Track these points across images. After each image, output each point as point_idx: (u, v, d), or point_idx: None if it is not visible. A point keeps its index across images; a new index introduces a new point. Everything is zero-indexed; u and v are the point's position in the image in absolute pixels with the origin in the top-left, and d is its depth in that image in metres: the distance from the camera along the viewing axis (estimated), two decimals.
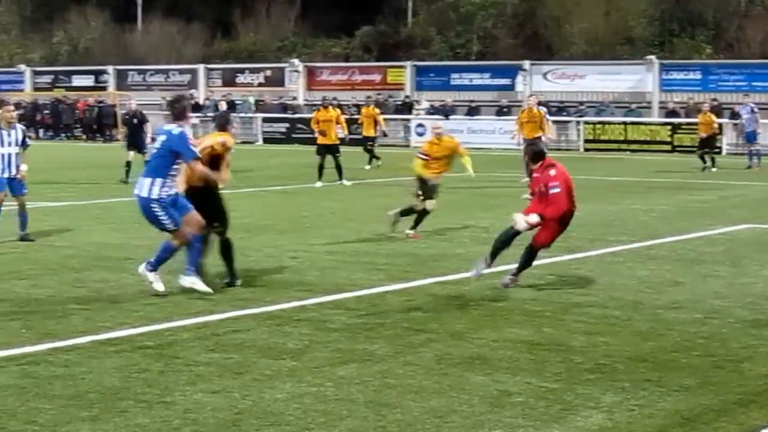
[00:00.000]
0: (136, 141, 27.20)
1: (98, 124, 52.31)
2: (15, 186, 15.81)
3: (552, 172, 11.85)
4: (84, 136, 52.90)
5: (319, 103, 28.99)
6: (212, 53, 62.60)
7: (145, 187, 11.32)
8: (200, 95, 53.59)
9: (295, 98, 53.13)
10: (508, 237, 11.95)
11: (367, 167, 31.39)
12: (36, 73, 61.15)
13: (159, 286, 11.32)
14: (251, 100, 51.80)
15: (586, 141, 43.61)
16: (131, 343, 9.24)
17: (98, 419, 7.15)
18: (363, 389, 7.87)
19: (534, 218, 11.74)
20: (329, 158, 26.13)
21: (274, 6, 64.27)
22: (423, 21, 61.18)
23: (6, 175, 15.69)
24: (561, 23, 55.91)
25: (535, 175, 12.17)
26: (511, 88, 48.97)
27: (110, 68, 58.68)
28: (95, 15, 67.49)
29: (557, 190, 11.73)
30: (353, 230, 17.03)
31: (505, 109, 46.11)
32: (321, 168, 26.07)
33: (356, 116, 37.11)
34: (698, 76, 46.22)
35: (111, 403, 7.50)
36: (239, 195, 20.69)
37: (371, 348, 9.12)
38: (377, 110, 33.93)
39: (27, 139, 16.14)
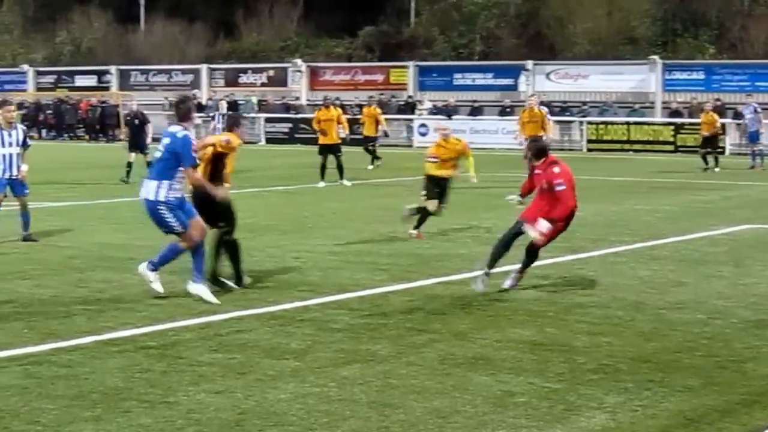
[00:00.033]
0: (137, 142, 27.29)
1: (101, 125, 52.36)
2: (17, 186, 15.81)
3: (556, 169, 11.71)
4: (87, 137, 52.95)
5: (322, 103, 28.91)
6: (215, 53, 62.60)
7: (152, 190, 11.24)
8: (203, 95, 53.59)
9: (297, 98, 53.16)
10: (508, 240, 11.89)
11: (370, 167, 31.37)
12: (39, 73, 61.16)
13: (158, 287, 11.29)
14: (254, 100, 51.83)
15: (589, 141, 43.62)
16: (134, 344, 9.24)
17: (101, 419, 7.15)
18: (366, 389, 7.87)
19: (545, 226, 11.55)
20: (331, 158, 26.13)
21: (276, 6, 64.24)
22: (426, 21, 61.12)
23: (7, 175, 15.70)
24: (564, 23, 55.87)
25: (537, 171, 11.95)
26: (514, 88, 48.98)
27: (113, 68, 58.71)
28: (98, 15, 67.47)
29: (563, 187, 11.60)
30: (356, 230, 17.03)
31: (508, 110, 46.12)
32: (323, 168, 26.05)
33: (358, 116, 37.11)
34: (701, 76, 46.21)
35: (114, 403, 7.50)
36: (242, 195, 20.65)
37: (374, 348, 9.12)
38: (378, 110, 33.90)
39: (28, 140, 16.14)
